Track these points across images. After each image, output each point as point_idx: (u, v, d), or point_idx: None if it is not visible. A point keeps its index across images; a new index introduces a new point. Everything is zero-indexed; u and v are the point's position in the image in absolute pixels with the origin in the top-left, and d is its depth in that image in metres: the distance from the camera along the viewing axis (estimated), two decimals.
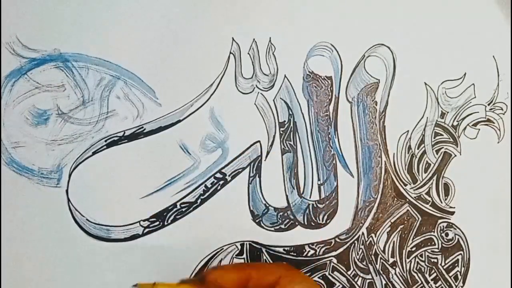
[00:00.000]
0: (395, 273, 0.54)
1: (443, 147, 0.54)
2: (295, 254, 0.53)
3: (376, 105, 0.53)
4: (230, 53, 0.52)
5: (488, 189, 0.54)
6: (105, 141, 0.52)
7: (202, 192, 0.52)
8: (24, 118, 0.51)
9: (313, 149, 0.53)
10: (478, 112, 0.54)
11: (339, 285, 0.54)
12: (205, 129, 0.53)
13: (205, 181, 0.52)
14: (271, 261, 0.53)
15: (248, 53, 0.52)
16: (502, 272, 0.54)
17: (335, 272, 0.54)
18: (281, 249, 0.53)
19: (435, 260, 0.54)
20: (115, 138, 0.52)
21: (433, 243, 0.54)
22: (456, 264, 0.54)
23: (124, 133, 0.52)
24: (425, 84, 0.53)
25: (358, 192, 0.53)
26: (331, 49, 0.53)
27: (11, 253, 0.51)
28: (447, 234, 0.54)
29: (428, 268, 0.54)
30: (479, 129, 0.54)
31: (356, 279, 0.54)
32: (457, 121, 0.54)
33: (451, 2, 0.53)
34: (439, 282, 0.54)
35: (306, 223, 0.53)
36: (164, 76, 0.52)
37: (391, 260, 0.54)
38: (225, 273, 0.45)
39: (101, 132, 0.52)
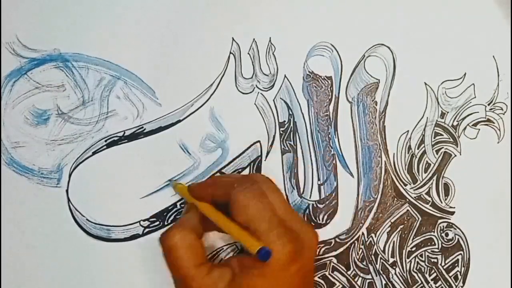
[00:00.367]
0: (395, 273, 0.54)
1: (443, 147, 0.54)
2: None
3: (376, 105, 0.53)
4: (230, 53, 0.52)
5: (488, 189, 0.54)
6: (105, 141, 0.52)
7: None
8: (24, 118, 0.51)
9: (313, 149, 0.53)
10: (478, 112, 0.54)
11: (339, 285, 0.54)
12: (205, 129, 0.53)
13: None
14: None
15: (248, 53, 0.52)
16: (502, 272, 0.54)
17: (335, 272, 0.54)
18: None
19: (435, 260, 0.54)
20: (115, 138, 0.52)
21: (433, 243, 0.54)
22: (456, 264, 0.54)
23: (124, 133, 0.52)
24: (425, 84, 0.53)
25: (358, 192, 0.53)
26: (331, 49, 0.53)
27: (11, 253, 0.51)
28: (447, 234, 0.54)
29: (428, 268, 0.54)
30: (479, 129, 0.54)
31: (356, 279, 0.54)
32: (457, 121, 0.54)
33: (451, 2, 0.53)
34: (439, 282, 0.54)
35: None
36: (164, 76, 0.52)
37: (391, 260, 0.54)
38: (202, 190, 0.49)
39: (101, 132, 0.52)
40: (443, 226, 0.54)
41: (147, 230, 0.52)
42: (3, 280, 0.51)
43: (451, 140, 0.54)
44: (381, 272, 0.54)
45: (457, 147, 0.54)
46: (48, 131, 0.51)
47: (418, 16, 0.53)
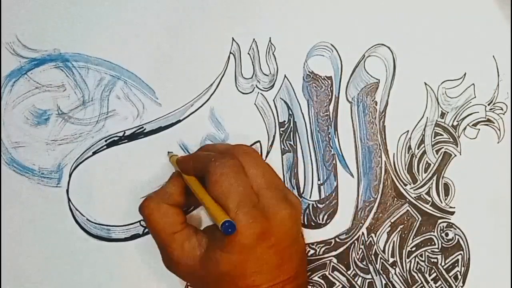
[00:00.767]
0: (395, 273, 0.54)
1: (443, 147, 0.54)
2: None
3: (376, 105, 0.53)
4: (230, 53, 0.52)
5: (488, 189, 0.54)
6: (105, 141, 0.52)
7: None
8: (24, 118, 0.51)
9: (313, 149, 0.53)
10: (478, 112, 0.54)
11: (339, 285, 0.54)
12: (205, 129, 0.53)
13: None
14: None
15: (248, 53, 0.52)
16: (502, 272, 0.54)
17: (335, 272, 0.54)
18: None
19: (435, 260, 0.54)
20: (115, 138, 0.52)
21: (433, 243, 0.54)
22: (456, 264, 0.54)
23: (124, 133, 0.52)
24: (425, 84, 0.53)
25: (358, 192, 0.53)
26: (331, 49, 0.53)
27: (11, 253, 0.51)
28: (447, 234, 0.54)
29: (428, 268, 0.54)
30: (479, 129, 0.54)
31: (356, 279, 0.54)
32: (457, 121, 0.54)
33: (451, 2, 0.53)
34: (439, 282, 0.54)
35: (306, 223, 0.53)
36: (164, 76, 0.52)
37: (391, 260, 0.54)
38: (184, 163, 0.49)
39: (101, 132, 0.52)
40: (443, 226, 0.54)
41: (147, 230, 0.52)
42: (3, 280, 0.51)
43: (451, 140, 0.54)
44: (381, 272, 0.54)
45: (457, 147, 0.54)
46: (48, 131, 0.51)
47: (418, 16, 0.53)
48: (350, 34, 0.53)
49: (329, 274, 0.54)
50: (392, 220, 0.54)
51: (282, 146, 0.53)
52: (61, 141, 0.51)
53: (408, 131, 0.54)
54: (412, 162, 0.54)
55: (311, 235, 0.53)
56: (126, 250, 0.52)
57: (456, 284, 0.54)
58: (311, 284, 0.53)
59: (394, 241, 0.54)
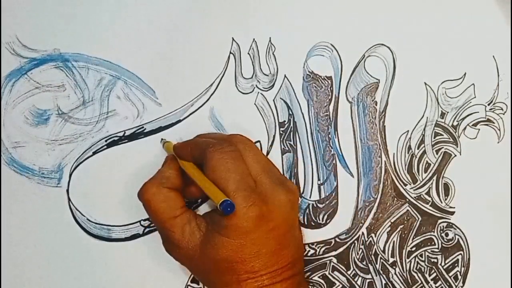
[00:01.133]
0: (395, 273, 0.54)
1: (443, 147, 0.54)
2: None
3: (376, 105, 0.53)
4: (230, 53, 0.52)
5: (488, 189, 0.54)
6: (106, 141, 0.52)
7: None
8: (24, 118, 0.51)
9: (313, 149, 0.53)
10: (478, 112, 0.54)
11: (339, 285, 0.54)
12: (205, 129, 0.53)
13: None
14: None
15: (248, 53, 0.52)
16: (502, 272, 0.54)
17: (335, 272, 0.54)
18: None
19: (435, 260, 0.54)
20: (116, 138, 0.52)
21: (433, 243, 0.54)
22: (456, 264, 0.54)
23: (125, 133, 0.52)
24: (425, 84, 0.53)
25: (358, 192, 0.53)
26: (331, 49, 0.53)
27: (11, 253, 0.51)
28: (447, 234, 0.54)
29: (428, 268, 0.54)
30: (479, 129, 0.54)
31: (356, 279, 0.54)
32: (457, 121, 0.54)
33: (451, 2, 0.53)
34: (439, 282, 0.54)
35: (306, 223, 0.53)
36: (164, 76, 0.52)
37: (391, 260, 0.54)
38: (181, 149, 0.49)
39: (102, 132, 0.52)
40: (443, 226, 0.54)
41: (147, 229, 0.52)
42: (3, 280, 0.51)
43: (451, 140, 0.54)
44: (381, 272, 0.54)
45: (457, 147, 0.54)
46: (49, 131, 0.51)
47: (418, 16, 0.53)
48: (350, 34, 0.53)
49: (329, 274, 0.54)
50: (392, 220, 0.54)
51: (282, 146, 0.53)
52: (61, 141, 0.51)
53: (408, 131, 0.53)
54: (412, 162, 0.54)
55: (311, 235, 0.53)
56: (126, 250, 0.52)
57: (456, 284, 0.54)
58: (311, 284, 0.53)
59: (394, 241, 0.54)
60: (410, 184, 0.54)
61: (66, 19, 0.51)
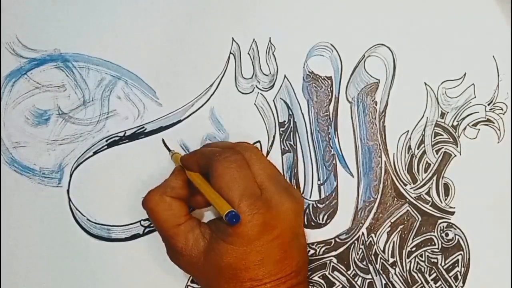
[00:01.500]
0: (395, 273, 0.54)
1: (443, 147, 0.54)
2: None
3: (376, 105, 0.53)
4: (230, 53, 0.52)
5: (488, 189, 0.53)
6: (106, 141, 0.52)
7: None
8: (25, 118, 0.51)
9: (313, 149, 0.53)
10: (478, 112, 0.54)
11: (339, 285, 0.54)
12: (206, 129, 0.53)
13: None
14: None
15: (248, 53, 0.52)
16: (502, 272, 0.54)
17: (335, 272, 0.54)
18: None
19: (435, 260, 0.54)
20: (116, 138, 0.52)
21: (433, 243, 0.54)
22: (456, 264, 0.54)
23: (125, 133, 0.52)
24: (425, 84, 0.53)
25: (358, 192, 0.53)
26: (331, 49, 0.53)
27: (11, 253, 0.51)
28: (447, 234, 0.54)
29: (428, 268, 0.54)
30: (479, 129, 0.54)
31: (356, 279, 0.54)
32: (457, 121, 0.54)
33: (451, 2, 0.53)
34: (439, 282, 0.54)
35: (306, 223, 0.53)
36: (164, 76, 0.52)
37: (391, 260, 0.54)
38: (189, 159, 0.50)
39: (102, 132, 0.52)
40: (443, 226, 0.54)
41: (147, 229, 0.52)
42: (3, 280, 0.51)
43: (451, 140, 0.54)
44: (381, 272, 0.54)
45: (457, 147, 0.54)
46: (49, 131, 0.51)
47: (418, 16, 0.53)
48: (350, 34, 0.53)
49: (329, 274, 0.54)
50: (392, 220, 0.54)
51: (282, 146, 0.53)
52: (62, 141, 0.52)
53: (408, 131, 0.53)
54: (412, 162, 0.54)
55: (311, 235, 0.53)
56: (126, 250, 0.52)
57: (456, 284, 0.54)
58: (311, 284, 0.53)
59: (394, 241, 0.54)
60: (410, 184, 0.54)
61: (66, 19, 0.51)
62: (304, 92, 0.53)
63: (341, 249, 0.54)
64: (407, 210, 0.54)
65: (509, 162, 0.53)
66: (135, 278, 0.53)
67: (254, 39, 0.52)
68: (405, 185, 0.54)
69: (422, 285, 0.54)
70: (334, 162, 0.53)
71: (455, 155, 0.54)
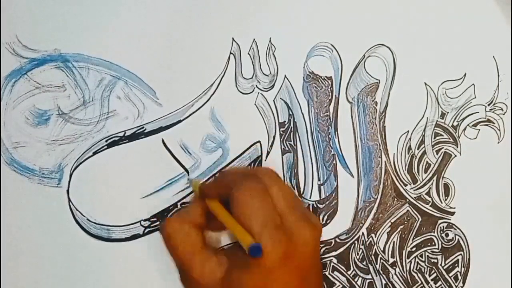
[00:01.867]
0: (395, 273, 0.54)
1: (443, 148, 0.54)
2: None
3: (376, 105, 0.53)
4: (230, 53, 0.52)
5: (488, 190, 0.54)
6: (106, 141, 0.52)
7: None
8: (25, 118, 0.51)
9: (313, 149, 0.53)
10: (478, 112, 0.54)
11: (339, 285, 0.54)
12: (206, 129, 0.53)
13: (206, 181, 0.52)
14: None
15: (248, 53, 0.52)
16: (502, 272, 0.54)
17: (335, 272, 0.54)
18: None
19: (435, 261, 0.54)
20: (116, 138, 0.52)
21: (433, 243, 0.54)
22: (456, 265, 0.54)
23: (125, 133, 0.52)
24: (425, 84, 0.53)
25: (358, 192, 0.53)
26: (331, 49, 0.53)
27: (11, 253, 0.51)
28: (447, 235, 0.54)
29: (428, 268, 0.54)
30: (479, 130, 0.54)
31: (356, 279, 0.54)
32: (457, 122, 0.54)
33: (451, 2, 0.53)
34: (439, 282, 0.54)
35: None
36: (164, 76, 0.52)
37: (391, 260, 0.54)
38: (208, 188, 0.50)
39: (102, 132, 0.52)
40: (443, 226, 0.54)
41: (147, 230, 0.52)
42: (3, 280, 0.51)
43: (451, 140, 0.54)
44: (381, 272, 0.54)
45: (457, 147, 0.54)
46: (49, 131, 0.51)
47: (418, 16, 0.53)
48: (350, 34, 0.53)
49: (329, 274, 0.54)
50: (392, 221, 0.54)
51: (282, 146, 0.53)
52: (62, 141, 0.51)
53: (408, 131, 0.54)
54: (412, 163, 0.54)
55: None
56: (126, 250, 0.52)
57: (456, 284, 0.54)
58: None
59: (394, 242, 0.54)
60: (410, 185, 0.54)
61: (66, 19, 0.51)
62: (304, 92, 0.53)
63: (341, 249, 0.54)
64: (407, 210, 0.54)
65: (509, 162, 0.54)
66: (135, 278, 0.53)
67: (254, 39, 0.52)
68: (405, 185, 0.54)
69: (422, 285, 0.54)
70: (334, 162, 0.53)
71: (455, 155, 0.54)
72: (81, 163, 0.52)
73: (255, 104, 0.53)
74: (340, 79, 0.53)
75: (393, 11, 0.53)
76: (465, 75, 0.53)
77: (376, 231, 0.54)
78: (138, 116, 0.52)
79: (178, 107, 0.52)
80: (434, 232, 0.54)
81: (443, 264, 0.54)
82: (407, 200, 0.54)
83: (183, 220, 0.48)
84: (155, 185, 0.51)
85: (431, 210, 0.54)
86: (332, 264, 0.53)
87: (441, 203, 0.54)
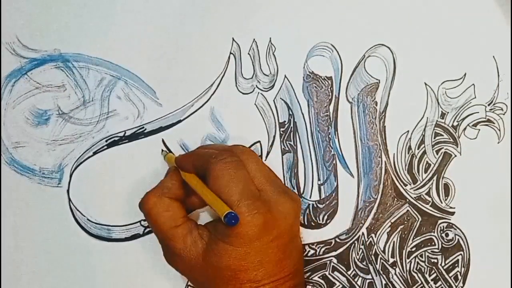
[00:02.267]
0: (395, 273, 0.54)
1: (443, 147, 0.54)
2: None
3: (376, 105, 0.53)
4: (230, 53, 0.52)
5: (488, 190, 0.53)
6: (106, 141, 0.52)
7: None
8: (25, 118, 0.51)
9: (313, 149, 0.53)
10: (478, 112, 0.54)
11: (339, 285, 0.54)
12: (206, 129, 0.53)
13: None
14: None
15: (248, 53, 0.52)
16: (502, 272, 0.54)
17: (335, 272, 0.54)
18: None
19: (435, 261, 0.54)
20: (116, 138, 0.52)
21: (433, 243, 0.54)
22: (456, 265, 0.54)
23: (125, 133, 0.52)
24: (425, 84, 0.53)
25: (358, 192, 0.53)
26: (331, 49, 0.53)
27: (12, 253, 0.51)
28: (447, 235, 0.54)
29: (428, 268, 0.54)
30: (479, 130, 0.54)
31: (356, 279, 0.54)
32: (457, 122, 0.54)
33: (451, 2, 0.53)
34: (439, 282, 0.54)
35: (306, 223, 0.53)
36: (164, 76, 0.52)
37: (391, 260, 0.54)
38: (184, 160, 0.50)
39: (102, 132, 0.52)
40: (443, 226, 0.54)
41: (147, 230, 0.52)
42: (3, 280, 0.51)
43: (451, 140, 0.54)
44: (381, 272, 0.54)
45: (457, 147, 0.54)
46: (49, 131, 0.51)
47: (418, 16, 0.53)
48: (350, 34, 0.53)
49: (329, 274, 0.54)
50: (392, 220, 0.54)
51: (282, 146, 0.53)
52: (62, 141, 0.51)
53: (408, 131, 0.53)
54: (412, 162, 0.54)
55: (311, 235, 0.53)
56: (126, 250, 0.52)
57: (456, 284, 0.54)
58: (311, 284, 0.53)
59: (394, 241, 0.54)
60: (410, 185, 0.54)
61: (66, 19, 0.51)
62: (304, 92, 0.53)
63: (341, 249, 0.54)
64: (407, 210, 0.54)
65: (509, 162, 0.53)
66: (135, 278, 0.53)
67: (254, 39, 0.52)
68: (405, 185, 0.54)
69: (422, 285, 0.54)
70: (334, 162, 0.53)
71: (455, 155, 0.54)
72: (81, 163, 0.52)
73: (255, 104, 0.53)
74: (340, 79, 0.53)
75: (393, 11, 0.53)
76: (465, 75, 0.53)
77: (376, 231, 0.54)
78: (138, 116, 0.52)
79: (178, 107, 0.52)
80: (434, 232, 0.54)
81: (443, 264, 0.54)
82: (407, 200, 0.54)
83: (163, 194, 0.48)
84: (155, 185, 0.51)
85: (431, 210, 0.54)
86: (332, 264, 0.53)
87: (441, 203, 0.54)
